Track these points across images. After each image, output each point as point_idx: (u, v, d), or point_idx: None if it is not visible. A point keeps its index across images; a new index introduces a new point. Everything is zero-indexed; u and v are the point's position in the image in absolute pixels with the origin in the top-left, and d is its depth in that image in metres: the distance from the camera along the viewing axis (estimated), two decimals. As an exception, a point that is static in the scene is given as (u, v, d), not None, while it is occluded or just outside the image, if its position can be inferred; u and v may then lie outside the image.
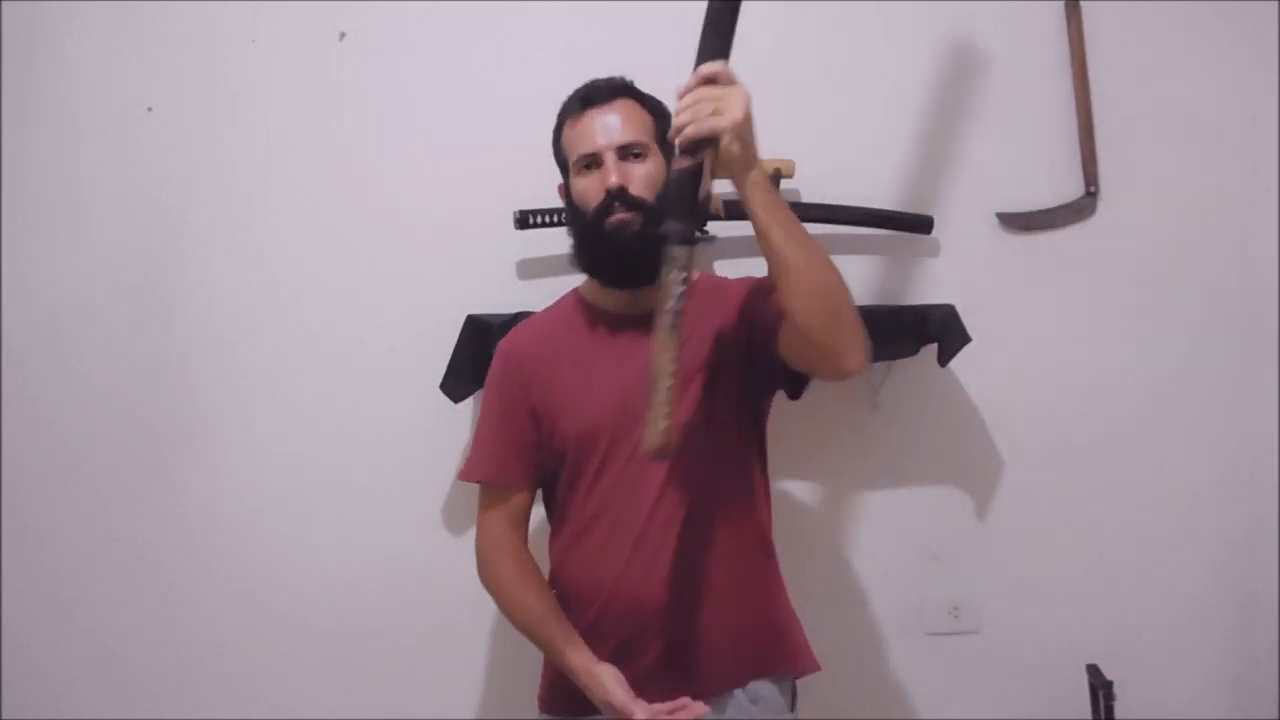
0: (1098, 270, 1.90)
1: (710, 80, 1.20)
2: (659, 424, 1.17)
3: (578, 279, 1.80)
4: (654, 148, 1.41)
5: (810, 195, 1.86)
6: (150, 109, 1.91)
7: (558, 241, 1.84)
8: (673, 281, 1.17)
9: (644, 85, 1.49)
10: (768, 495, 1.51)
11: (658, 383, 1.17)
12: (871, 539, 1.92)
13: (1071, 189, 1.89)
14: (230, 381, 1.91)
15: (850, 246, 1.89)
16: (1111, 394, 1.90)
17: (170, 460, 1.92)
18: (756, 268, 1.82)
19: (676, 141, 1.20)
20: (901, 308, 1.80)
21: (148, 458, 1.92)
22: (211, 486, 1.91)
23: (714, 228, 1.83)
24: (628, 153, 1.39)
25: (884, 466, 1.92)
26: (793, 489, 1.90)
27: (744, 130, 1.18)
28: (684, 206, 1.19)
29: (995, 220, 1.90)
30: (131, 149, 1.91)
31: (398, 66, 1.91)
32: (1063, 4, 1.88)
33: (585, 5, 1.89)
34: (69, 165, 1.91)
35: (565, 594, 1.46)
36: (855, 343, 1.26)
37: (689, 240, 1.19)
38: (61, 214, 1.92)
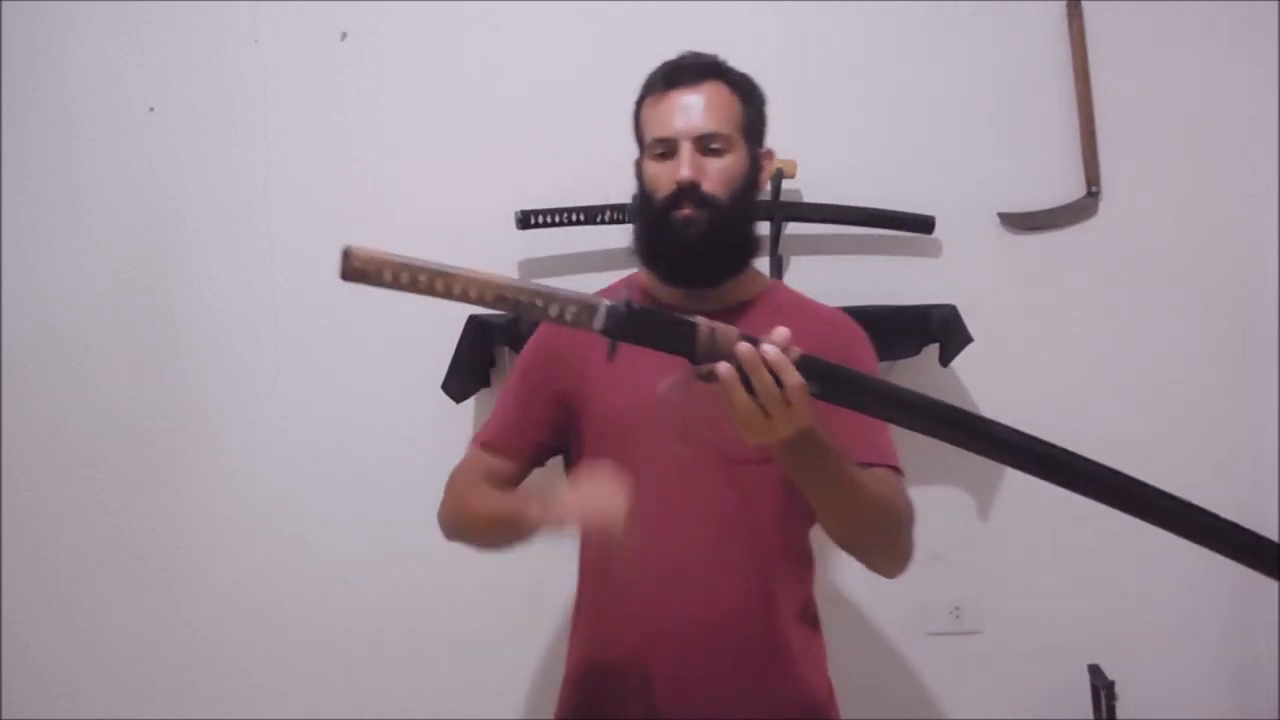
0: (1099, 270, 1.90)
1: (777, 381, 1.00)
2: None
3: (578, 277, 1.81)
4: (737, 139, 1.30)
5: (811, 195, 1.87)
6: (152, 109, 1.91)
7: (559, 241, 1.86)
8: None
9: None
10: (812, 557, 1.39)
11: None
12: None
13: (1073, 189, 1.89)
14: (230, 382, 1.91)
15: (852, 246, 1.89)
16: (1112, 393, 1.90)
17: (170, 460, 1.91)
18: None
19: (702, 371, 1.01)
20: (903, 308, 1.80)
21: (148, 458, 1.91)
22: (211, 486, 1.91)
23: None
24: (706, 144, 1.27)
25: (885, 466, 1.91)
26: (794, 489, 1.90)
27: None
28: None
29: (997, 220, 1.90)
30: (133, 149, 1.91)
31: (399, 67, 1.91)
32: (1063, 4, 1.88)
33: (585, 5, 1.89)
34: (70, 165, 1.91)
35: (591, 619, 1.34)
36: (890, 568, 1.27)
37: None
38: (62, 214, 1.91)
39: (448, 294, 0.97)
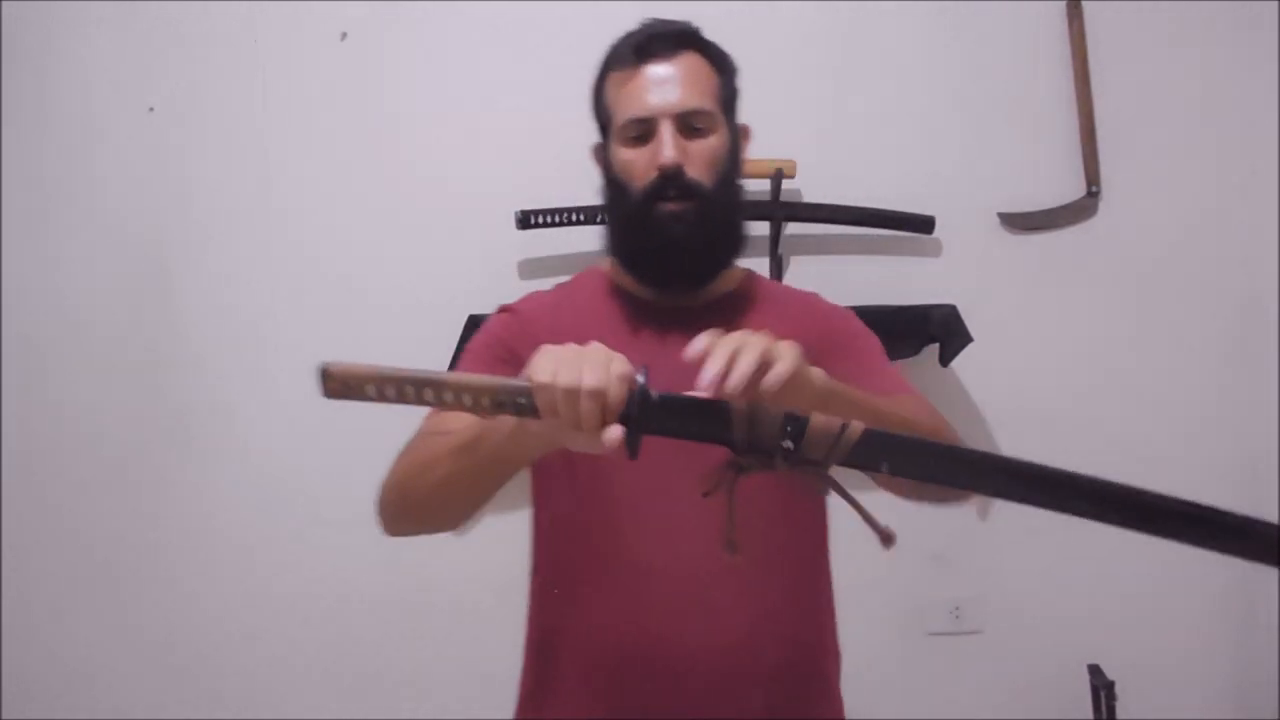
0: (1099, 270, 1.90)
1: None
2: None
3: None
4: (719, 117, 1.14)
5: (811, 195, 1.87)
6: (151, 109, 1.91)
7: (559, 241, 1.85)
8: None
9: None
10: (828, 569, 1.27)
11: None
12: (873, 539, 1.91)
13: (1073, 189, 1.89)
14: (231, 381, 1.91)
15: (852, 246, 1.89)
16: (1112, 393, 1.90)
17: (170, 460, 1.92)
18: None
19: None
20: (903, 308, 1.80)
21: (148, 457, 1.91)
22: (211, 486, 1.91)
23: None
24: (688, 124, 1.12)
25: (885, 466, 1.91)
26: (794, 489, 1.90)
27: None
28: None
29: (997, 220, 1.90)
30: (133, 149, 1.91)
31: (398, 67, 1.91)
32: (1063, 4, 1.88)
33: (586, 5, 1.89)
34: (71, 165, 1.91)
35: (556, 643, 1.18)
36: (945, 503, 1.21)
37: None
38: (62, 215, 1.91)
39: (439, 403, 0.87)
